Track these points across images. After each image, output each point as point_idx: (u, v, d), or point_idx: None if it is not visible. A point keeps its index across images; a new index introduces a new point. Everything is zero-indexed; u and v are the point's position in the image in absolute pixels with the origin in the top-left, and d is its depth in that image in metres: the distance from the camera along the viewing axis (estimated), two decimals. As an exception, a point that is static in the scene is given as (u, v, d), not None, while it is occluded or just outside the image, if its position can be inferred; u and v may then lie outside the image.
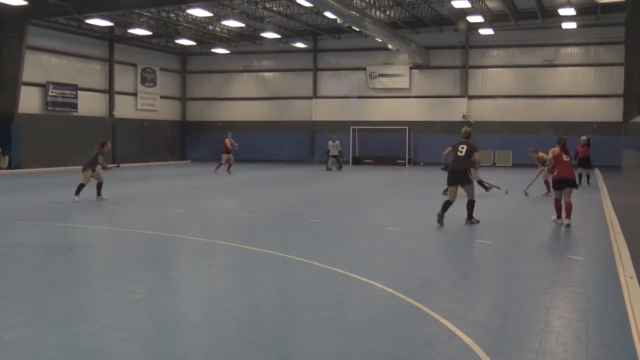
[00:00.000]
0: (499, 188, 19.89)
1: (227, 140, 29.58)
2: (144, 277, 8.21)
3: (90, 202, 17.80)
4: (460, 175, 12.70)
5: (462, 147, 12.82)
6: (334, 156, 33.03)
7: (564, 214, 12.75)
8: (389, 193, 21.44)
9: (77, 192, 16.81)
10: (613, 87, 34.81)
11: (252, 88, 42.08)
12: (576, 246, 10.82)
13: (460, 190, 12.71)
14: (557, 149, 12.86)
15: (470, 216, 12.85)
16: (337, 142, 33.56)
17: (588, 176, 23.59)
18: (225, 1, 30.70)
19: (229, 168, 29.15)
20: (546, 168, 16.37)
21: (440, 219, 12.40)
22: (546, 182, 19.21)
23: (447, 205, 12.53)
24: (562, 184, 12.79)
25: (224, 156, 29.25)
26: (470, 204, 12.85)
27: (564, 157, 12.82)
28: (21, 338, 5.57)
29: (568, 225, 12.51)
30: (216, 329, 6.01)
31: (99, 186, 17.47)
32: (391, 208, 16.46)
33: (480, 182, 19.23)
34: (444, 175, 12.89)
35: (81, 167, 17.66)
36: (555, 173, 12.94)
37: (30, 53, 30.96)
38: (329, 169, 32.66)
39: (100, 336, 5.62)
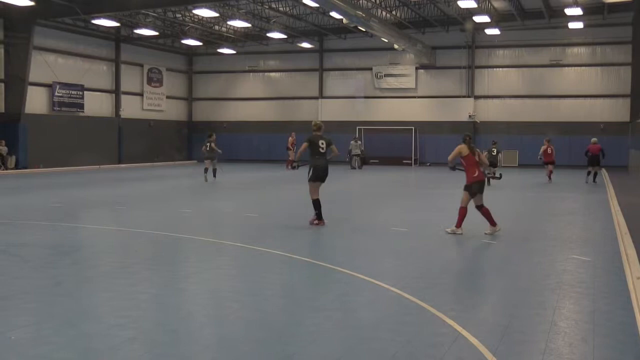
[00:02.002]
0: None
1: (290, 139, 34.03)
2: (151, 277, 8.23)
3: (96, 202, 17.87)
4: (326, 171, 12.48)
5: (322, 142, 12.45)
6: (356, 155, 34.82)
7: (460, 222, 11.45)
8: (395, 193, 21.42)
9: (206, 175, 23.40)
10: (620, 87, 34.72)
11: (258, 88, 42.11)
12: (583, 246, 10.79)
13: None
14: (464, 147, 11.44)
15: (319, 216, 12.56)
16: (360, 142, 35.80)
17: (595, 174, 24.48)
18: (231, 1, 30.73)
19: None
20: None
21: (319, 218, 12.46)
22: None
23: (317, 204, 12.42)
24: (480, 187, 11.48)
25: (290, 152, 33.34)
26: (317, 203, 12.56)
27: (477, 156, 11.53)
28: (28, 338, 5.59)
29: (488, 234, 11.43)
30: (223, 329, 6.02)
31: (215, 171, 23.72)
32: (397, 208, 16.44)
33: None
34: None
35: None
36: (476, 174, 11.42)
37: (37, 53, 31.09)
38: (353, 168, 34.25)
39: (108, 336, 5.64)
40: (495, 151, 23.31)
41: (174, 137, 41.76)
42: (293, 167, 13.10)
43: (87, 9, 28.93)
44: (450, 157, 11.68)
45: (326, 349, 5.41)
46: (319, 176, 12.45)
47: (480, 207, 11.59)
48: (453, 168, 11.95)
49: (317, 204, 12.45)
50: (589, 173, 24.35)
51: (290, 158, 32.93)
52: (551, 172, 24.77)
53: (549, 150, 24.60)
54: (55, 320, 6.12)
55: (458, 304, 6.79)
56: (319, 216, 12.48)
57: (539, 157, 25.11)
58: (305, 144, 12.46)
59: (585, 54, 35.82)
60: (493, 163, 22.72)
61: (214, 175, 23.63)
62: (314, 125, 12.68)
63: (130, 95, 38.39)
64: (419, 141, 38.13)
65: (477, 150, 11.69)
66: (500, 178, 12.32)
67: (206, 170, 23.59)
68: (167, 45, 40.69)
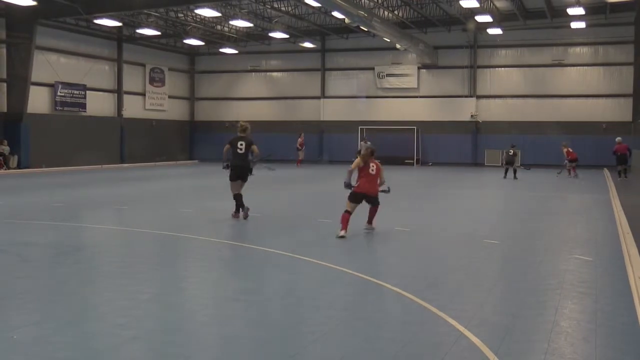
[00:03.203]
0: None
1: (299, 140, 36.85)
2: (153, 276, 8.24)
3: (99, 202, 17.88)
4: (243, 170, 13.19)
5: (241, 144, 13.13)
6: None
7: (344, 225, 11.12)
8: (397, 193, 21.37)
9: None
10: (622, 87, 34.67)
11: (261, 88, 42.11)
12: (585, 246, 10.78)
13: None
14: (359, 161, 11.46)
15: (239, 209, 13.26)
16: (369, 142, 35.59)
17: (625, 171, 26.61)
18: (234, 1, 30.74)
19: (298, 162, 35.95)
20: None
21: (237, 212, 13.23)
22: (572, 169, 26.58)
23: (237, 198, 13.17)
24: (362, 198, 11.37)
25: (299, 152, 36.58)
26: (239, 197, 13.24)
27: (370, 169, 11.38)
28: (31, 337, 5.60)
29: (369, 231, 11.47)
30: (224, 329, 6.02)
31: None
32: (399, 208, 16.43)
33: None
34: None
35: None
36: (357, 184, 11.38)
37: (39, 53, 31.09)
38: None
39: (110, 336, 5.65)
40: (512, 152, 26.38)
41: (176, 137, 41.79)
42: (223, 168, 13.67)
43: (89, 8, 28.92)
44: (348, 171, 11.55)
45: (328, 348, 5.41)
46: (234, 175, 13.19)
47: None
48: (348, 185, 11.55)
49: (236, 198, 13.20)
50: (619, 172, 26.11)
51: (299, 158, 36.30)
52: (574, 168, 27.38)
53: (571, 150, 27.54)
54: (57, 320, 6.12)
55: (460, 303, 6.79)
56: (237, 209, 13.27)
57: (567, 159, 27.67)
58: (227, 146, 13.27)
59: (587, 53, 35.76)
60: (510, 162, 26.33)
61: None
62: (239, 127, 13.38)
63: (133, 95, 38.41)
64: (421, 141, 38.11)
65: (376, 163, 11.53)
66: (388, 192, 11.91)
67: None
68: (169, 45, 40.72)
